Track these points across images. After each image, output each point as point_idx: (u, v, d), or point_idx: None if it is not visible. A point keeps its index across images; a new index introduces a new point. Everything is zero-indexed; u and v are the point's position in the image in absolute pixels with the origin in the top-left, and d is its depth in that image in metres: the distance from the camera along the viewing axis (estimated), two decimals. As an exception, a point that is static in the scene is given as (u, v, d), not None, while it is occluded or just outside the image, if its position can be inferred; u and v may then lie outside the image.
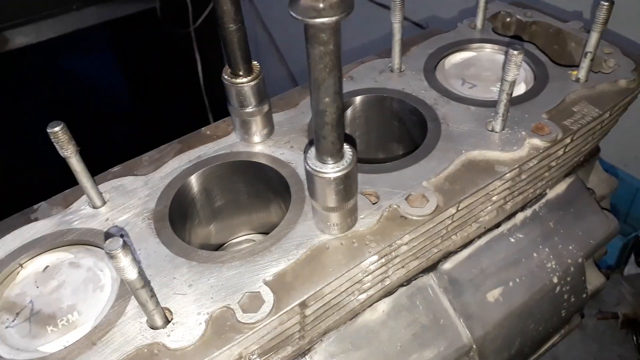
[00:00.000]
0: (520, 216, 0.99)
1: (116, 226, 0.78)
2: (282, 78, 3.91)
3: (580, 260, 1.00)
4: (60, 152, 0.74)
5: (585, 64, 0.92)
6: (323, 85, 0.59)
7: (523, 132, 0.86)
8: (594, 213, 1.04)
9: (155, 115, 4.21)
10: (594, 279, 1.06)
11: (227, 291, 0.69)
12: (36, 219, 0.82)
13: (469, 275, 0.94)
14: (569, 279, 1.00)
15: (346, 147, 0.67)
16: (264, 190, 0.91)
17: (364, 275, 0.75)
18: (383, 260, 0.76)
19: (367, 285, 0.79)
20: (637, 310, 1.58)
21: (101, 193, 0.81)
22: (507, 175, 0.82)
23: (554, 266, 0.98)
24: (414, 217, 0.76)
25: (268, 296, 0.68)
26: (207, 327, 0.66)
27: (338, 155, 0.66)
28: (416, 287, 0.91)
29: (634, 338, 1.63)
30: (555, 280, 0.98)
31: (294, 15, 0.53)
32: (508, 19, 1.11)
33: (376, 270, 0.77)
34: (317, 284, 0.70)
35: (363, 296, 0.82)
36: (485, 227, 0.94)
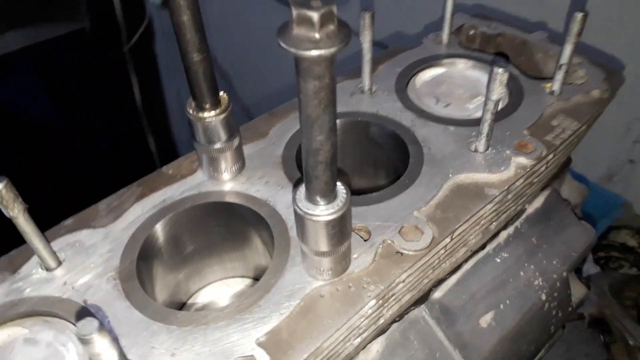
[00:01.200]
0: (503, 235, 0.96)
1: (87, 304, 0.68)
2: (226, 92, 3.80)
3: (564, 274, 0.99)
4: (4, 212, 0.64)
5: (559, 76, 0.90)
6: (317, 123, 0.52)
7: (507, 151, 0.82)
8: (573, 224, 1.03)
9: (89, 143, 3.99)
10: (577, 291, 1.04)
11: (216, 358, 0.61)
12: (-21, 290, 0.70)
13: (460, 302, 0.90)
14: (555, 294, 0.98)
15: (339, 185, 0.61)
16: (239, 232, 0.83)
17: (362, 320, 0.69)
18: (381, 301, 0.70)
19: (363, 329, 0.73)
20: (602, 309, 1.60)
21: (55, 252, 0.71)
22: (497, 197, 0.79)
23: (541, 283, 0.96)
24: (410, 252, 0.71)
25: None
26: (198, 404, 0.57)
27: (331, 195, 0.60)
28: (409, 321, 0.85)
29: (601, 337, 1.66)
30: (543, 297, 0.96)
31: (285, 47, 0.46)
32: (472, 32, 1.09)
33: (373, 313, 0.70)
34: (317, 339, 0.63)
35: (358, 340, 0.75)
36: (471, 250, 0.90)
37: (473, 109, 0.93)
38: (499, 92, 0.75)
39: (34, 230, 0.67)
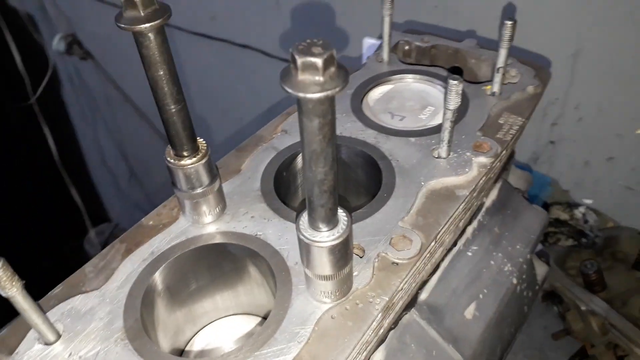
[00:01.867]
0: (469, 230, 1.03)
1: None
2: (146, 134, 3.72)
3: (528, 256, 1.07)
4: (1, 293, 0.61)
5: (498, 78, 0.99)
6: (322, 156, 0.56)
7: (468, 154, 0.89)
8: (527, 209, 1.12)
9: (9, 200, 3.75)
10: (540, 270, 1.13)
11: (248, 397, 0.62)
12: (-25, 379, 0.67)
13: (444, 299, 0.96)
14: (524, 276, 1.06)
15: (339, 210, 0.64)
16: (232, 270, 0.84)
17: (371, 333, 0.72)
18: (385, 312, 0.73)
19: (370, 342, 0.76)
20: (553, 282, 1.73)
21: (52, 325, 0.69)
22: (467, 197, 0.85)
23: (510, 268, 1.04)
24: (405, 261, 0.75)
25: (294, 389, 0.62)
26: None
27: (334, 221, 0.63)
28: (403, 326, 0.89)
29: (555, 308, 1.78)
30: (514, 281, 1.04)
31: (291, 92, 0.49)
32: (407, 47, 1.16)
33: (379, 324, 0.74)
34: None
35: (364, 354, 0.79)
36: (446, 249, 0.96)
37: (426, 119, 1.00)
38: (455, 101, 0.81)
39: (32, 306, 0.64)
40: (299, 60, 0.48)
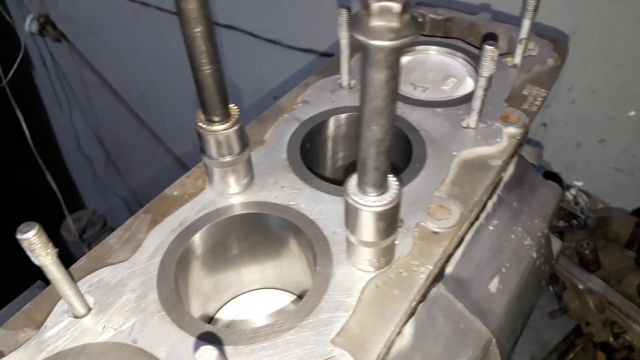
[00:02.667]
0: (490, 204, 1.02)
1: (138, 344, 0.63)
2: (123, 118, 3.62)
3: (546, 230, 1.07)
4: (35, 260, 0.57)
5: (520, 50, 0.98)
6: (384, 112, 0.53)
7: (497, 124, 0.88)
8: (542, 184, 1.12)
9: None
10: (555, 245, 1.14)
11: (299, 367, 0.59)
12: (1, 353, 0.62)
13: (469, 273, 0.94)
14: (542, 250, 1.06)
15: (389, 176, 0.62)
16: (265, 242, 0.81)
17: (415, 303, 0.71)
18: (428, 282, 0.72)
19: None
20: (547, 262, 1.75)
21: (83, 297, 0.65)
22: (501, 166, 0.84)
23: (530, 242, 1.03)
24: (445, 230, 0.74)
25: (346, 358, 0.60)
26: (296, 416, 0.56)
27: (386, 186, 0.61)
28: (431, 300, 0.88)
29: (551, 288, 1.81)
30: (534, 255, 1.03)
31: (363, 39, 0.46)
32: (421, 20, 1.14)
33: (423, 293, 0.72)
34: (387, 329, 0.64)
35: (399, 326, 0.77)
36: (470, 222, 0.95)
37: (449, 90, 0.98)
38: (491, 68, 0.80)
39: (65, 276, 0.61)
40: (375, 5, 0.45)
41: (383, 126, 0.54)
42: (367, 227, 0.63)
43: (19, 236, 0.55)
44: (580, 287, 1.64)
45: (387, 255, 0.68)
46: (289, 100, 0.96)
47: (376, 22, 0.46)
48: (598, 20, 1.67)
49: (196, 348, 0.61)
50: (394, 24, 0.46)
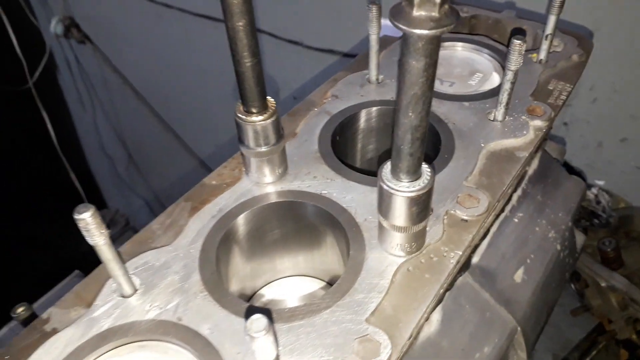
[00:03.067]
0: (514, 197, 1.04)
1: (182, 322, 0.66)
2: (145, 118, 3.68)
3: (570, 224, 1.09)
4: (89, 240, 0.61)
5: (545, 45, 1.00)
6: (421, 100, 0.56)
7: (523, 117, 0.90)
8: (566, 179, 1.14)
9: (7, 189, 3.69)
10: (579, 238, 1.15)
11: (335, 342, 0.62)
12: (55, 330, 0.66)
13: (495, 263, 0.97)
14: (566, 243, 1.07)
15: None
16: (298, 229, 0.84)
17: (446, 287, 0.73)
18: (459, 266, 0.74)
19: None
20: (569, 259, 1.75)
21: (130, 278, 0.69)
22: (527, 158, 0.86)
23: (554, 235, 1.05)
24: (473, 218, 0.76)
25: (381, 336, 0.63)
26: (335, 390, 0.59)
27: (419, 172, 0.64)
28: (457, 288, 0.90)
29: (572, 286, 1.81)
30: (558, 247, 1.05)
31: (405, 28, 0.49)
32: (447, 18, 1.17)
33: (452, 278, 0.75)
34: (419, 310, 0.66)
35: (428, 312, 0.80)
36: (496, 214, 0.98)
37: (475, 84, 1.00)
38: (518, 62, 0.82)
39: (115, 256, 0.64)
40: (416, -4, 0.48)
41: (419, 113, 0.57)
42: (400, 212, 0.66)
43: (76, 216, 0.59)
44: (603, 284, 1.65)
45: (418, 241, 0.71)
46: (319, 95, 0.99)
47: (417, 12, 0.49)
48: (620, 19, 1.68)
49: (237, 325, 0.65)
50: (434, 13, 0.49)
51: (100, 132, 4.21)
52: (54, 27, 3.72)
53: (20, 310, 0.97)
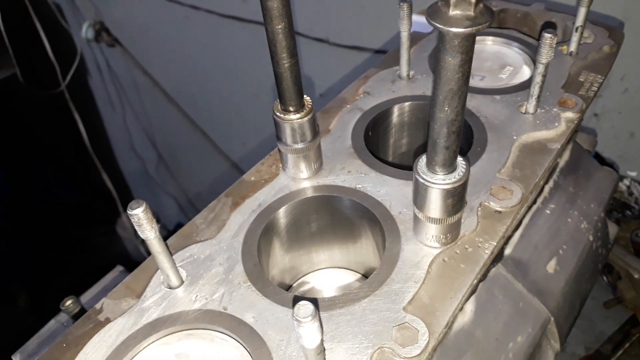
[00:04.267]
0: (546, 189, 1.05)
1: (228, 311, 0.69)
2: (174, 119, 3.75)
3: (602, 214, 1.09)
4: (141, 234, 0.65)
5: (576, 37, 1.00)
6: (457, 94, 0.58)
7: (555, 109, 0.91)
8: (598, 170, 1.14)
9: (43, 186, 3.81)
10: (611, 229, 1.15)
11: (374, 330, 0.65)
12: (108, 320, 0.70)
13: (527, 254, 0.98)
14: (599, 234, 1.08)
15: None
16: (334, 223, 0.87)
17: (480, 277, 0.75)
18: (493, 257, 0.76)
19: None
20: (601, 252, 1.74)
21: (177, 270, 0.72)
22: (559, 149, 0.87)
23: (586, 226, 1.06)
24: (507, 209, 0.77)
25: (418, 324, 0.65)
26: (376, 375, 0.61)
27: (454, 165, 0.66)
28: (490, 279, 0.92)
29: (604, 278, 1.80)
30: (591, 238, 1.06)
31: (442, 27, 0.51)
32: (475, 12, 1.18)
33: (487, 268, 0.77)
34: (455, 299, 0.68)
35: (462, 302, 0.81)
36: (528, 206, 0.99)
37: (506, 78, 1.01)
38: (548, 55, 0.83)
39: (165, 249, 0.68)
40: (453, -4, 0.50)
41: (455, 107, 0.59)
42: (436, 204, 0.68)
43: (129, 211, 0.62)
44: (636, 276, 1.63)
45: (453, 232, 0.73)
46: (351, 93, 1.02)
47: (454, 12, 0.51)
48: (651, 7, 1.66)
49: (280, 313, 0.67)
50: (470, 12, 0.51)
51: (131, 133, 4.30)
52: (85, 31, 3.81)
53: (68, 302, 1.02)
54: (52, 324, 1.08)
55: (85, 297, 1.15)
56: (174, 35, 3.31)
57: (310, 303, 0.50)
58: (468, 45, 0.54)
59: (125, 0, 3.48)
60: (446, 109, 0.59)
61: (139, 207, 0.62)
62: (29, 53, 3.60)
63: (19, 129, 3.79)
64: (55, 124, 3.90)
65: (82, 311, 1.04)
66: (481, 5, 0.51)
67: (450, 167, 0.65)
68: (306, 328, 0.51)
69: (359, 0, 2.23)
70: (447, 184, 0.65)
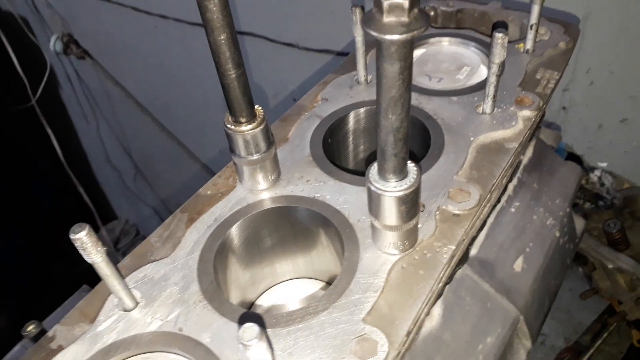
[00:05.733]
0: (510, 187, 1.05)
1: (183, 332, 0.68)
2: (148, 129, 3.71)
3: (568, 210, 1.09)
4: (87, 258, 0.63)
5: (531, 35, 1.00)
6: (399, 102, 0.57)
7: (512, 108, 0.91)
8: (562, 165, 1.14)
9: (16, 207, 3.74)
10: (578, 223, 1.16)
11: (333, 344, 0.63)
12: (61, 347, 0.68)
13: (493, 254, 0.97)
14: (565, 229, 1.08)
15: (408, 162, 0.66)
16: (294, 233, 0.85)
17: (439, 284, 0.74)
18: (452, 261, 0.75)
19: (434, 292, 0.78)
20: (575, 244, 1.75)
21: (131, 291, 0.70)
22: (517, 149, 0.87)
23: (552, 222, 1.06)
24: (465, 212, 0.77)
25: (377, 335, 0.64)
26: (336, 390, 0.60)
27: (405, 171, 0.65)
28: (457, 281, 0.91)
29: (580, 269, 1.81)
30: (557, 234, 1.06)
31: (377, 35, 0.51)
32: (433, 13, 1.17)
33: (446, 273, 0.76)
34: (415, 306, 0.67)
35: (427, 308, 0.80)
36: (491, 205, 0.98)
37: (463, 78, 1.01)
38: (501, 54, 0.83)
39: (114, 272, 0.66)
40: (385, 3, 0.49)
41: (399, 115, 0.58)
42: (390, 212, 0.67)
43: (72, 236, 0.60)
44: (610, 266, 1.65)
45: (410, 238, 0.72)
46: (309, 99, 1.01)
47: (387, 19, 0.50)
48: (611, 1, 1.67)
49: (237, 332, 0.66)
50: (404, 18, 0.50)
51: (105, 144, 4.25)
52: (54, 44, 3.76)
53: (30, 328, 0.99)
54: (16, 349, 1.06)
55: (48, 320, 1.12)
56: (144, 44, 3.28)
57: (254, 324, 0.49)
58: (406, 51, 0.53)
59: (92, 11, 3.43)
60: (390, 116, 0.58)
61: (81, 230, 0.60)
62: (-5, 68, 3.53)
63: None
64: (28, 138, 3.84)
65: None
66: (415, 10, 0.50)
67: (401, 173, 0.64)
68: (253, 350, 0.49)
69: (327, 4, 2.22)
70: (399, 190, 0.64)
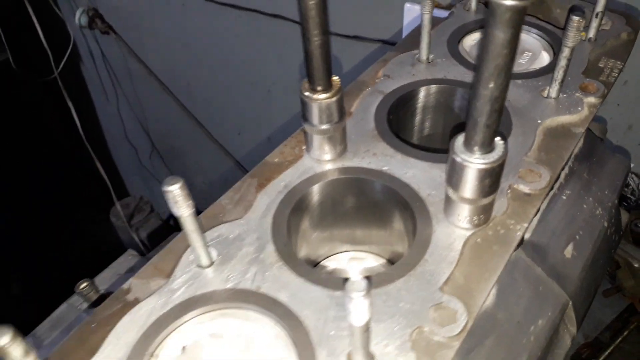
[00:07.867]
0: (562, 174, 1.05)
1: (261, 291, 0.69)
2: (168, 108, 3.71)
3: (615, 201, 1.10)
4: (175, 211, 0.64)
5: (595, 23, 1.01)
6: (504, 71, 0.57)
7: (577, 94, 0.91)
8: (610, 157, 1.15)
9: (35, 176, 3.76)
10: (623, 216, 1.16)
11: (411, 310, 0.64)
12: (137, 300, 0.69)
13: (546, 239, 0.98)
14: (613, 220, 1.09)
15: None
16: (357, 205, 0.86)
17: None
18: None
19: (498, 271, 0.79)
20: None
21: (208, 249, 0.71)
22: (584, 134, 0.87)
23: (601, 212, 1.06)
24: (536, 192, 0.78)
25: (456, 304, 0.65)
26: (415, 354, 0.61)
27: (492, 145, 0.65)
28: (511, 263, 0.92)
29: (604, 267, 1.82)
30: (605, 224, 1.06)
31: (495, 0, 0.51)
32: (491, -1, 1.17)
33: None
34: (490, 280, 0.68)
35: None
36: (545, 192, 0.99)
37: (525, 63, 1.01)
38: (575, 38, 0.83)
39: (197, 228, 0.67)
40: (507, -31, 0.49)
41: (500, 84, 0.58)
42: (472, 185, 0.67)
43: (164, 188, 0.61)
44: (635, 265, 1.65)
45: (486, 214, 0.72)
46: (370, 75, 1.01)
47: (510, -15, 0.50)
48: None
49: (314, 292, 0.67)
50: (525, -15, 0.50)
51: (124, 121, 4.25)
52: (79, 18, 3.75)
53: (84, 285, 1.00)
54: (63, 307, 1.07)
55: (98, 280, 1.13)
56: (170, 23, 3.27)
57: (364, 279, 0.50)
58: (519, 19, 0.53)
59: (119, -14, 3.43)
60: (491, 85, 0.58)
61: (175, 183, 0.61)
62: (21, 39, 3.53)
63: (11, 114, 3.73)
64: (48, 111, 3.84)
65: (101, 295, 1.03)
66: (535, -21, 0.51)
67: (489, 146, 0.65)
68: (358, 304, 0.50)
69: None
70: (486, 163, 0.65)
